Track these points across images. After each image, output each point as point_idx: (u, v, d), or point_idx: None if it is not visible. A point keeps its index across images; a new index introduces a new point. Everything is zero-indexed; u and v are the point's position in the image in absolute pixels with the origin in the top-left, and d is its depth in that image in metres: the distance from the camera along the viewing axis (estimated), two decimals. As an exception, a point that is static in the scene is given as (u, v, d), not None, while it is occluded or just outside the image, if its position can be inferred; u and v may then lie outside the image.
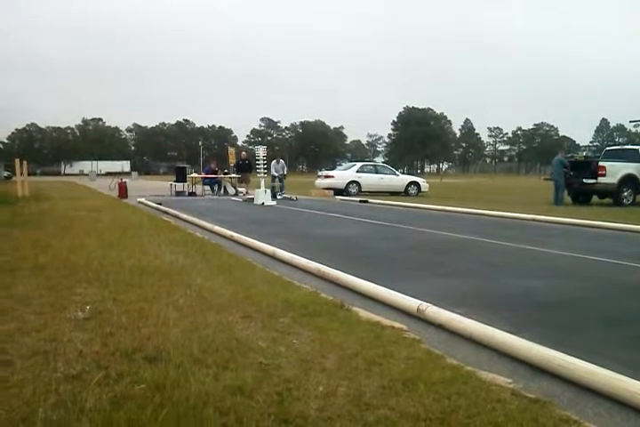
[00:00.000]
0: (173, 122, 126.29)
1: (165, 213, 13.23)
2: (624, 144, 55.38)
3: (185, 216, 11.77)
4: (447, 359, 3.18)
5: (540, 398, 2.65)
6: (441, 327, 3.83)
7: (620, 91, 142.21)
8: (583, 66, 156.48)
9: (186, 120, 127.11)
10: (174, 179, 22.77)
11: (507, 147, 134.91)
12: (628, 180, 17.79)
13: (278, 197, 19.62)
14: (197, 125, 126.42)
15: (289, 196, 20.01)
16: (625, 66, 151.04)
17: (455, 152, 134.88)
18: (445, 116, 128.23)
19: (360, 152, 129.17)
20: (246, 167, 23.09)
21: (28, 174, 20.62)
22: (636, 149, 19.02)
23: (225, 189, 22.86)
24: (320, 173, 25.78)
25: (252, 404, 2.46)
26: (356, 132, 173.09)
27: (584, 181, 17.58)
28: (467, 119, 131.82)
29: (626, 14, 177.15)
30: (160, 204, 15.22)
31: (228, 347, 3.18)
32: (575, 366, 2.87)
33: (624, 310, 4.57)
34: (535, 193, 24.36)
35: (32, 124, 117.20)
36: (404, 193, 23.46)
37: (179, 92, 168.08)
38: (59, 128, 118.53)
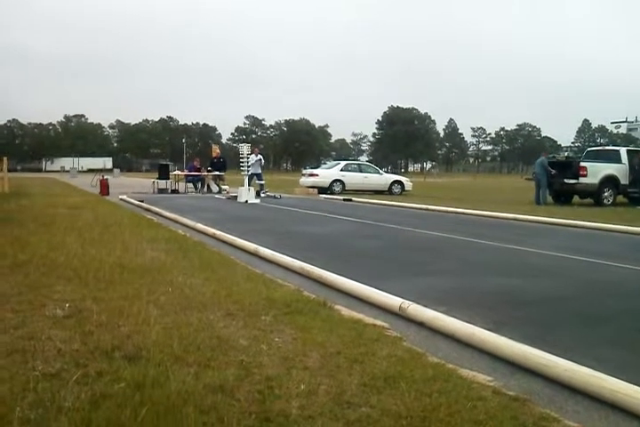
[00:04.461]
0: (157, 119, 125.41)
1: (148, 210, 13.11)
2: (605, 145, 56.27)
3: (167, 214, 11.68)
4: (429, 357, 3.19)
5: (520, 396, 2.67)
6: (423, 325, 3.84)
7: (601, 92, 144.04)
8: (566, 67, 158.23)
9: (169, 117, 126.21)
10: (157, 176, 22.58)
11: (490, 147, 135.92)
12: (608, 180, 18.03)
13: (262, 195, 19.53)
14: (181, 123, 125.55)
15: (272, 194, 19.93)
16: (607, 68, 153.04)
17: (439, 152, 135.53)
18: (430, 116, 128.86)
19: (344, 151, 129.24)
20: (220, 165, 22.90)
21: (9, 171, 20.33)
22: (617, 150, 19.32)
23: (208, 186, 22.72)
24: (304, 172, 25.73)
25: (233, 402, 2.45)
26: (340, 131, 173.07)
27: (565, 181, 17.79)
28: (450, 119, 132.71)
29: (610, 17, 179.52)
30: (142, 201, 15.07)
31: (209, 345, 3.16)
32: (554, 364, 2.89)
33: (603, 308, 4.62)
34: (517, 193, 24.56)
35: (13, 119, 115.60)
36: (387, 192, 23.54)
37: (163, 89, 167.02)
38: (40, 124, 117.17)
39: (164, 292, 4.37)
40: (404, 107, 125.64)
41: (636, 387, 2.59)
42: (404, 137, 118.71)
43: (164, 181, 22.05)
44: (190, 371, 2.76)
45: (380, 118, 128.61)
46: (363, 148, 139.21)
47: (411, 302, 4.09)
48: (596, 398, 2.68)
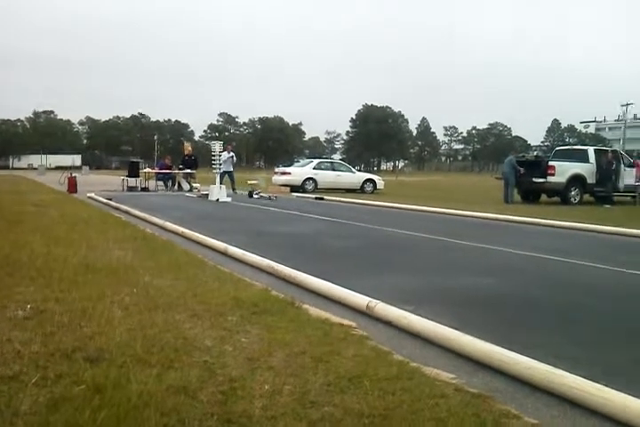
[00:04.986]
0: (128, 115, 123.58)
1: (116, 208, 12.93)
2: (574, 144, 57.33)
3: (136, 212, 11.54)
4: (394, 356, 3.20)
5: (481, 393, 2.69)
6: (390, 324, 3.86)
7: (571, 92, 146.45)
8: (537, 68, 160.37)
9: (141, 114, 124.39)
10: (127, 174, 22.28)
11: (461, 146, 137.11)
12: (575, 179, 18.38)
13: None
14: (153, 119, 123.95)
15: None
16: (577, 68, 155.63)
17: (411, 150, 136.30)
18: (403, 115, 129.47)
19: (318, 149, 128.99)
20: (192, 163, 22.67)
21: (-27, 168, 19.87)
22: (585, 150, 19.71)
23: (179, 184, 22.49)
24: (277, 170, 25.61)
25: (195, 404, 2.42)
26: (314, 129, 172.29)
27: (534, 179, 18.07)
28: (423, 118, 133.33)
29: (580, 18, 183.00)
30: (111, 199, 14.85)
31: (173, 346, 3.13)
32: (515, 362, 2.93)
33: (573, 307, 4.71)
34: (487, 191, 24.85)
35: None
36: (360, 190, 23.61)
37: (135, 86, 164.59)
38: (8, 120, 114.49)
39: (129, 292, 4.31)
40: (378, 105, 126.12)
41: (593, 384, 2.64)
42: (377, 135, 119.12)
43: (133, 178, 21.79)
44: (153, 372, 2.72)
45: (354, 116, 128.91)
46: (336, 146, 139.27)
47: (378, 301, 4.10)
48: (554, 395, 2.72)
